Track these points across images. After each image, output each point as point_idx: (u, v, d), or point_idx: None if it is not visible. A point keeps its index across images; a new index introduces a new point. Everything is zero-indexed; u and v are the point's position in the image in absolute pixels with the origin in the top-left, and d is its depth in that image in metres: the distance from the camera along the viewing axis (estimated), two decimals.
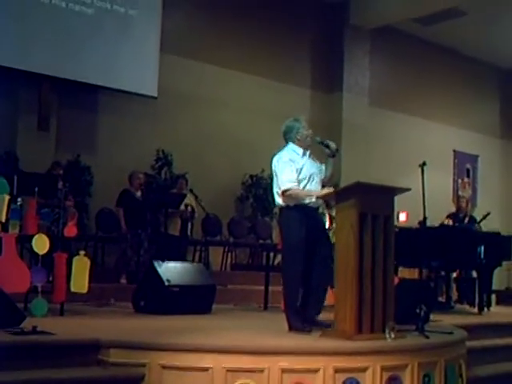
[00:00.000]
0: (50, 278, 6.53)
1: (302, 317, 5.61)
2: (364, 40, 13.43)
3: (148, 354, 4.54)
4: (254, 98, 12.06)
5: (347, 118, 13.03)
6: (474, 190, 15.75)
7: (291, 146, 5.82)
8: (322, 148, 5.89)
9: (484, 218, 9.56)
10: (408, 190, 5.52)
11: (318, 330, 5.35)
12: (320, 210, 5.98)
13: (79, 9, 9.87)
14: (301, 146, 5.80)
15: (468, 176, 15.71)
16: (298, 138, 5.81)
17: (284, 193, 5.59)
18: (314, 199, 5.67)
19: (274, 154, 5.84)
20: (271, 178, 5.93)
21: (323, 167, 5.90)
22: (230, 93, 11.76)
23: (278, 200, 5.73)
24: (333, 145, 5.87)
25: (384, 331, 5.07)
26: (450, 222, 9.77)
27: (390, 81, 14.11)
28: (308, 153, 5.82)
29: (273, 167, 5.78)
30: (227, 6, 11.70)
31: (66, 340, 4.76)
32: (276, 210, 11.51)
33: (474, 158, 15.84)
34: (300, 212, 5.61)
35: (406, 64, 14.26)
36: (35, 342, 4.56)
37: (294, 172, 5.62)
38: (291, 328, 5.55)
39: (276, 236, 10.66)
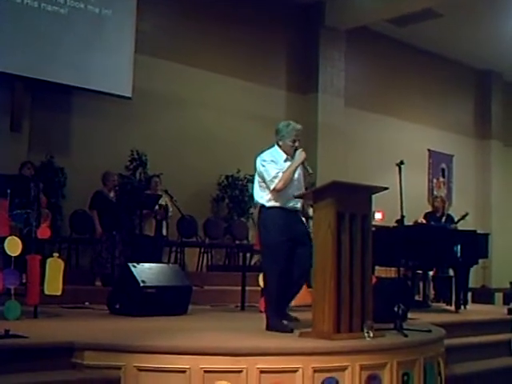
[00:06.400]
0: (23, 281, 6.42)
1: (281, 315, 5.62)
2: (339, 41, 13.44)
3: (123, 356, 4.46)
4: (229, 99, 12.03)
5: (323, 118, 13.04)
6: (449, 190, 15.85)
7: (276, 148, 5.85)
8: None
9: (462, 218, 9.58)
10: (386, 188, 5.52)
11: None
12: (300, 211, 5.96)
13: (52, 9, 9.74)
14: (284, 152, 5.80)
15: (443, 176, 15.81)
16: (280, 144, 5.82)
17: (275, 190, 5.60)
18: (298, 204, 5.69)
19: (259, 154, 5.84)
20: (253, 176, 5.93)
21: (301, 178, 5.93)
22: (205, 94, 11.71)
23: (259, 199, 5.74)
24: (311, 170, 5.86)
25: (362, 330, 5.07)
26: (424, 221, 9.81)
27: (366, 82, 14.16)
28: (289, 163, 5.78)
29: (256, 167, 5.78)
30: (202, 8, 11.66)
31: (39, 343, 4.66)
32: (253, 210, 11.60)
33: (448, 158, 15.94)
34: (280, 213, 5.63)
35: (382, 65, 14.32)
36: (8, 345, 4.46)
37: (277, 170, 5.65)
38: (270, 327, 5.52)
39: (253, 236, 10.63)
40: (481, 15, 13.04)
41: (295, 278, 5.67)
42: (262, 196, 5.72)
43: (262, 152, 5.85)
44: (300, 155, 5.70)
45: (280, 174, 5.62)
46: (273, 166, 5.66)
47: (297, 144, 5.79)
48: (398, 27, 13.70)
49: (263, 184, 5.71)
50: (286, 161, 5.76)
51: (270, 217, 5.65)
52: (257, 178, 5.81)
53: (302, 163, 5.76)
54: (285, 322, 5.69)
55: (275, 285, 5.60)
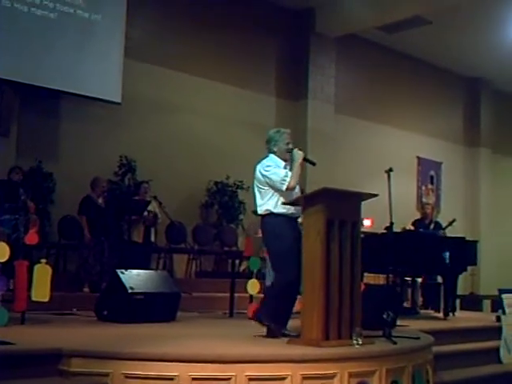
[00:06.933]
0: (11, 287, 6.38)
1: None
2: (329, 48, 13.46)
3: (111, 363, 4.43)
4: (219, 105, 12.02)
5: (313, 125, 13.04)
6: (438, 197, 15.88)
7: (272, 156, 5.87)
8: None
9: (450, 224, 9.65)
10: (375, 195, 5.53)
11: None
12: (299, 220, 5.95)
13: (41, 13, 9.71)
14: (280, 158, 5.84)
15: (432, 183, 15.84)
16: (275, 150, 5.86)
17: (288, 189, 5.64)
18: (292, 209, 5.65)
19: (257, 162, 5.86)
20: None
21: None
22: (194, 99, 11.70)
23: (264, 207, 5.72)
24: (313, 160, 5.96)
25: (351, 337, 5.06)
26: (412, 228, 9.83)
27: (356, 88, 14.19)
28: (288, 167, 5.83)
29: (258, 175, 5.79)
30: (192, 13, 11.66)
31: (26, 350, 4.62)
32: (241, 217, 11.60)
33: (437, 165, 15.98)
34: (287, 220, 5.65)
35: (372, 71, 14.35)
36: None
37: (285, 171, 5.71)
38: (271, 334, 5.51)
39: (242, 243, 10.60)
40: (470, 22, 13.10)
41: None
42: (268, 203, 5.71)
43: (259, 161, 5.87)
44: (298, 153, 5.76)
45: (289, 173, 5.68)
46: (279, 169, 5.72)
47: (291, 146, 5.86)
48: (388, 34, 13.75)
49: (269, 190, 5.71)
50: (285, 167, 5.81)
51: (280, 224, 5.65)
52: (258, 187, 5.81)
53: (304, 159, 5.80)
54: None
55: (286, 294, 5.57)
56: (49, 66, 9.72)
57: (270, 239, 5.78)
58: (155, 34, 11.30)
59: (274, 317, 5.61)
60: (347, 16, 12.54)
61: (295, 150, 5.80)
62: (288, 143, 5.87)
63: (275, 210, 5.67)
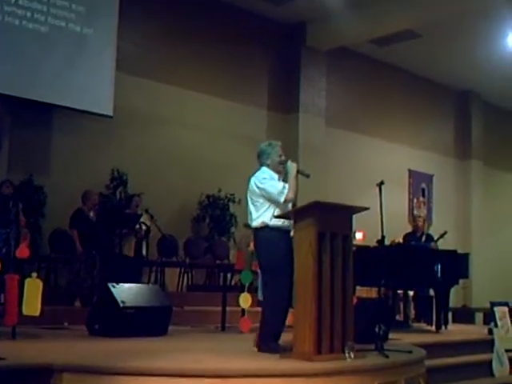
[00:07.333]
0: (2, 301, 6.35)
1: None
2: (320, 61, 13.50)
3: (103, 378, 4.41)
4: (210, 118, 12.02)
5: (304, 138, 13.05)
6: (429, 209, 15.90)
7: (265, 169, 5.85)
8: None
9: (441, 236, 9.66)
10: (366, 208, 5.54)
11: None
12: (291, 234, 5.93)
13: (33, 26, 9.70)
14: (273, 171, 5.83)
15: (423, 195, 15.86)
16: (268, 163, 5.85)
17: (286, 201, 5.64)
18: (286, 222, 5.63)
19: (251, 175, 5.84)
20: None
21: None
22: (186, 113, 11.71)
23: (260, 219, 5.68)
24: (307, 172, 5.93)
25: (343, 351, 5.05)
26: (401, 241, 9.84)
27: (347, 101, 14.23)
28: (281, 180, 5.83)
29: (253, 188, 5.76)
30: (184, 27, 11.68)
31: (17, 365, 4.60)
32: (233, 230, 11.58)
33: (429, 178, 16.01)
34: (278, 233, 5.62)
35: (362, 85, 14.40)
36: None
37: (282, 183, 5.71)
38: (263, 349, 5.48)
39: (233, 256, 10.59)
40: (459, 36, 13.18)
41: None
42: (264, 215, 5.67)
43: (253, 174, 5.85)
44: (292, 165, 5.76)
45: (287, 186, 5.66)
46: (275, 182, 5.71)
47: (283, 158, 5.86)
48: (379, 47, 13.82)
49: (265, 202, 5.68)
50: (278, 180, 5.80)
51: (274, 238, 5.62)
52: (252, 200, 5.77)
53: (297, 171, 5.78)
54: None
55: (279, 310, 5.54)
56: (40, 79, 9.69)
57: (262, 252, 5.74)
58: (146, 48, 11.30)
59: (273, 335, 5.56)
60: (338, 30, 12.57)
61: (289, 162, 5.79)
62: (280, 155, 5.87)
63: (271, 223, 5.64)
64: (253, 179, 5.79)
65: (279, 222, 5.63)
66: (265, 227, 5.66)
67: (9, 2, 9.45)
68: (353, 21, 11.84)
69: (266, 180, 5.71)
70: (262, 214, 5.69)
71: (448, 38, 13.28)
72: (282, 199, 5.61)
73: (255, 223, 5.74)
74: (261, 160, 5.90)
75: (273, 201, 5.66)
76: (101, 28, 10.37)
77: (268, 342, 5.51)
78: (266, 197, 5.68)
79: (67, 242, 9.13)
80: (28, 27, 9.66)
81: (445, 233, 9.67)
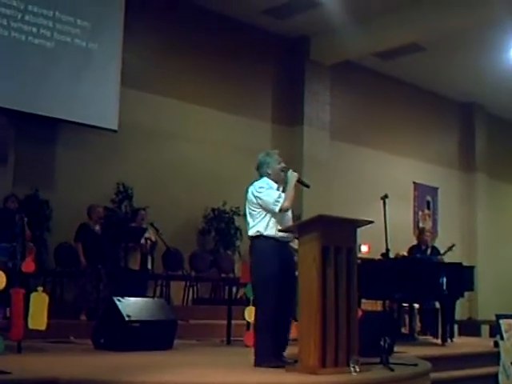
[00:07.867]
0: (7, 315, 6.37)
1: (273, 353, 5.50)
2: (324, 75, 13.54)
3: None
4: (215, 132, 12.06)
5: (308, 151, 13.07)
6: (435, 222, 15.89)
7: (265, 179, 5.84)
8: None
9: (449, 249, 9.63)
10: (371, 222, 5.53)
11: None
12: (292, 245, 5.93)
13: (38, 42, 9.77)
14: (274, 181, 5.83)
15: (428, 208, 15.85)
16: (269, 172, 5.84)
17: (281, 210, 5.61)
18: (284, 234, 5.61)
19: (250, 184, 5.84)
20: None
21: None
22: (191, 126, 11.74)
23: (256, 228, 5.68)
24: (307, 182, 5.97)
25: (348, 365, 5.03)
26: (406, 254, 9.81)
27: (351, 115, 14.25)
28: (281, 189, 5.82)
29: (250, 197, 5.76)
30: (188, 41, 11.72)
31: (23, 379, 4.61)
32: (238, 243, 11.58)
33: (434, 190, 16.00)
34: (273, 244, 5.59)
35: (367, 98, 14.43)
36: None
37: (278, 192, 5.70)
38: (258, 364, 5.44)
39: (239, 269, 10.58)
40: (462, 49, 13.22)
41: (287, 315, 5.62)
42: (259, 224, 5.66)
43: (251, 183, 5.85)
44: (293, 174, 5.75)
45: (283, 195, 5.65)
46: (272, 191, 5.70)
47: (283, 164, 5.87)
48: (383, 61, 13.86)
49: (261, 211, 5.66)
50: (277, 189, 5.79)
51: (269, 249, 5.59)
52: (249, 209, 5.77)
53: (298, 180, 5.79)
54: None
55: (269, 322, 5.49)
56: (46, 94, 9.74)
57: (254, 265, 5.72)
58: (150, 62, 11.35)
59: (268, 349, 5.50)
60: (342, 44, 12.61)
61: (290, 171, 5.79)
62: (280, 162, 5.87)
63: (265, 233, 5.62)
64: (250, 188, 5.79)
65: (273, 232, 5.61)
66: (260, 236, 5.64)
67: (15, 18, 9.53)
68: (356, 34, 11.87)
69: (263, 189, 5.69)
70: (258, 223, 5.68)
71: (452, 50, 13.31)
72: (277, 208, 5.59)
73: (251, 232, 5.74)
74: (261, 171, 5.90)
75: (268, 210, 5.64)
76: (106, 42, 10.43)
77: (263, 357, 5.44)
78: (262, 206, 5.67)
79: (73, 256, 9.15)
80: (34, 42, 9.72)
81: (453, 245, 9.64)
